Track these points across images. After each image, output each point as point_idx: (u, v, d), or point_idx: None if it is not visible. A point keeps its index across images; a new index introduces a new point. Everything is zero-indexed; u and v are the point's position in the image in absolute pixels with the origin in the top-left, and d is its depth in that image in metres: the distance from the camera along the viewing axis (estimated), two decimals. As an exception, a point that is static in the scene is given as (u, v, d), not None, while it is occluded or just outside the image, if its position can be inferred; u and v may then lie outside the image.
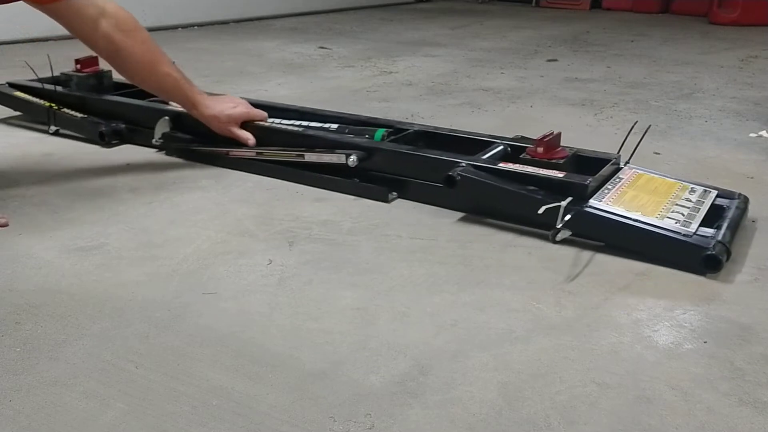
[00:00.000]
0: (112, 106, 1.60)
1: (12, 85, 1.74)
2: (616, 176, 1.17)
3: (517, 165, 1.15)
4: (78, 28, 1.25)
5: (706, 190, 1.16)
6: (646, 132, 1.26)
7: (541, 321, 0.87)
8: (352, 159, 1.25)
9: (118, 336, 0.82)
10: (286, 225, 1.15)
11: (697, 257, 0.97)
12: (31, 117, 1.71)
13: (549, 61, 2.78)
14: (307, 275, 0.98)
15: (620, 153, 1.25)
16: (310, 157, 1.31)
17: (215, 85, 2.19)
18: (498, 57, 2.85)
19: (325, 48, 3.01)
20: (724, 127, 1.80)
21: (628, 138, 1.23)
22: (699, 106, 2.02)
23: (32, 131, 1.67)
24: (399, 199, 1.26)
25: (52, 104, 1.61)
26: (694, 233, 1.01)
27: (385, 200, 1.25)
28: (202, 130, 1.42)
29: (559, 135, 1.21)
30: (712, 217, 1.07)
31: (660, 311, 0.89)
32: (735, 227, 1.06)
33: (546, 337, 0.83)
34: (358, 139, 1.33)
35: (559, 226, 1.04)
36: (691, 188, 1.16)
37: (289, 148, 1.35)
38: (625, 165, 1.23)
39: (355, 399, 0.71)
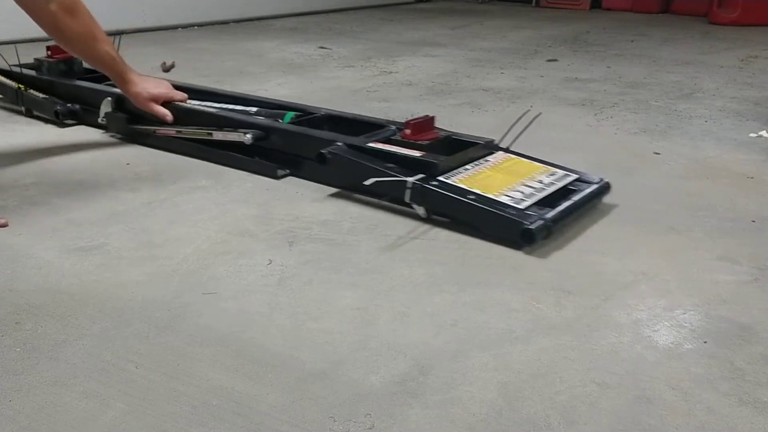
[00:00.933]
0: (72, 89, 1.73)
1: None
2: (483, 158, 1.26)
3: (386, 145, 1.24)
4: (32, 10, 1.36)
5: (566, 174, 1.23)
6: (533, 120, 1.36)
7: (541, 321, 0.87)
8: (248, 137, 1.35)
9: (118, 336, 0.82)
10: (286, 225, 1.15)
11: (516, 231, 1.04)
12: (7, 98, 1.85)
13: (549, 61, 2.78)
14: (307, 275, 0.98)
15: (501, 139, 1.33)
16: (218, 135, 1.42)
17: (215, 85, 2.18)
18: (498, 57, 2.85)
19: (325, 48, 3.01)
20: (724, 127, 1.80)
21: (517, 126, 1.33)
22: (699, 106, 2.02)
23: (32, 132, 1.67)
24: (291, 177, 1.35)
25: (20, 86, 1.77)
26: (523, 210, 1.07)
27: (275, 177, 1.34)
28: (139, 111, 1.53)
29: (431, 119, 1.31)
30: (559, 198, 1.15)
31: (660, 311, 0.89)
32: (573, 208, 1.13)
33: (546, 337, 0.83)
34: (259, 120, 1.43)
35: (407, 200, 1.14)
36: (552, 172, 1.23)
37: (202, 127, 1.46)
38: (502, 149, 1.31)
39: (355, 399, 0.71)
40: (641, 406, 0.71)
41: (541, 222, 1.04)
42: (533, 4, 4.99)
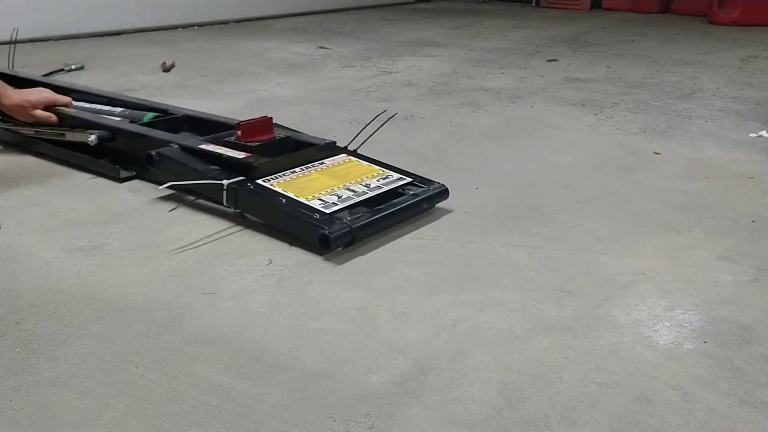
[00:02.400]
0: None
1: None
2: (319, 161, 1.25)
3: (216, 146, 1.23)
4: None
5: (400, 178, 1.22)
6: (385, 123, 1.37)
7: (541, 321, 0.87)
8: (92, 138, 1.34)
9: (118, 336, 0.82)
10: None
11: (315, 235, 1.03)
12: None
13: (549, 61, 2.78)
14: (307, 275, 0.98)
15: (351, 141, 1.32)
16: (69, 136, 1.41)
17: (215, 85, 2.19)
18: (498, 57, 2.85)
19: (325, 48, 3.01)
20: (724, 127, 1.80)
21: (369, 127, 1.33)
22: (699, 106, 2.02)
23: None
24: (138, 180, 1.33)
25: None
26: (329, 214, 1.07)
27: (117, 178, 1.32)
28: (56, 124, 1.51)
29: (268, 119, 1.29)
30: (383, 202, 1.14)
31: (660, 311, 0.89)
32: (391, 214, 1.12)
33: (546, 337, 0.83)
34: (106, 121, 1.42)
35: (224, 203, 1.13)
36: (386, 175, 1.23)
37: (57, 127, 1.44)
38: (345, 152, 1.30)
39: (355, 399, 0.71)
40: (641, 406, 0.71)
41: (344, 228, 1.03)
42: (533, 4, 4.99)
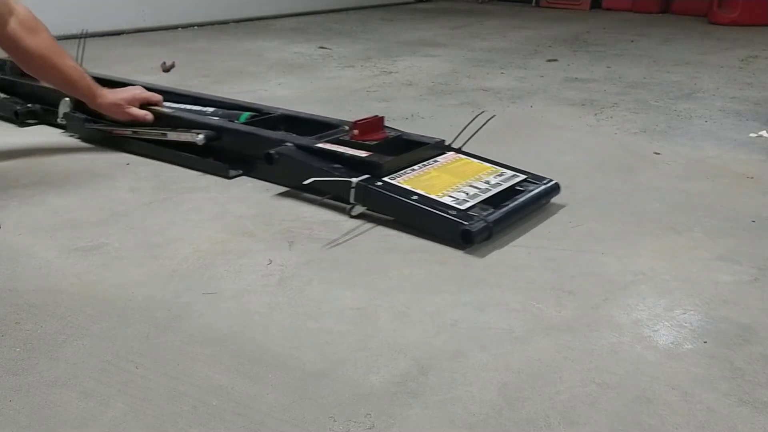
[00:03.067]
0: (32, 89, 1.74)
1: None
2: (432, 159, 1.26)
3: (334, 145, 1.24)
4: None
5: (514, 175, 1.24)
6: (486, 123, 1.36)
7: (541, 321, 0.87)
8: (200, 137, 1.36)
9: (118, 336, 0.82)
10: (286, 225, 1.14)
11: (456, 232, 1.04)
12: None
13: (549, 61, 2.78)
14: (307, 275, 0.98)
15: (455, 139, 1.33)
16: (171, 135, 1.42)
17: (215, 85, 2.19)
18: (498, 57, 2.85)
19: (325, 48, 3.01)
20: (724, 127, 1.80)
21: (471, 127, 1.33)
22: (699, 106, 2.02)
23: (33, 132, 1.67)
24: (243, 177, 1.36)
25: None
26: (465, 210, 1.08)
27: (226, 176, 1.35)
28: (97, 111, 1.53)
29: (380, 119, 1.31)
30: (505, 199, 1.16)
31: (660, 311, 0.89)
32: (517, 209, 1.14)
33: (546, 337, 0.83)
34: (212, 120, 1.44)
35: (351, 200, 1.14)
36: (500, 172, 1.24)
37: (157, 127, 1.46)
38: (454, 150, 1.32)
39: (355, 399, 0.71)
40: (641, 406, 0.71)
41: (482, 223, 1.05)
42: (533, 4, 4.99)
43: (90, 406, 0.70)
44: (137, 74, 2.19)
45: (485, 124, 1.34)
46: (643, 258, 1.04)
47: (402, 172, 1.19)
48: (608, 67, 2.65)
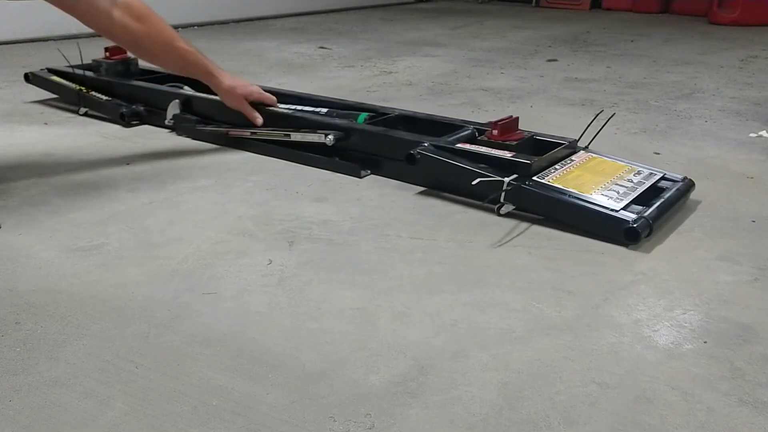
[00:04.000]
0: (134, 90, 1.77)
1: (50, 71, 1.92)
2: (568, 158, 1.27)
3: (474, 146, 1.26)
4: (94, 21, 1.31)
5: (651, 173, 1.24)
6: (608, 120, 1.34)
7: (541, 321, 0.87)
8: (330, 138, 1.37)
9: (118, 336, 0.82)
10: (286, 225, 1.14)
11: (620, 230, 1.05)
12: (64, 99, 1.89)
13: (549, 61, 2.78)
14: (307, 275, 0.98)
15: (579, 138, 1.33)
16: (296, 136, 1.44)
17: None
18: (498, 57, 2.85)
19: (325, 48, 3.01)
20: (724, 127, 1.80)
21: (594, 126, 1.31)
22: (699, 106, 2.02)
23: (33, 132, 1.67)
24: (372, 175, 1.37)
25: (82, 87, 1.79)
26: (622, 209, 1.09)
27: (358, 176, 1.37)
28: (208, 112, 1.59)
29: (516, 119, 1.32)
30: (649, 197, 1.16)
31: (660, 311, 0.89)
32: (667, 206, 1.15)
33: (546, 337, 0.83)
34: (338, 121, 1.45)
35: (502, 200, 1.15)
36: (638, 170, 1.25)
37: (278, 128, 1.48)
38: (582, 149, 1.32)
39: (355, 399, 0.71)
40: (641, 406, 0.71)
41: (643, 220, 1.06)
42: (533, 4, 4.99)
43: (90, 406, 0.70)
44: (137, 74, 2.20)
45: (607, 122, 1.33)
46: (643, 258, 1.04)
47: (546, 171, 1.19)
48: (608, 67, 2.65)
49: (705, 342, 0.82)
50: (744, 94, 2.19)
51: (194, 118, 1.61)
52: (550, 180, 1.16)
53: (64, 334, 0.82)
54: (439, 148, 1.25)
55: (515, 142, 1.26)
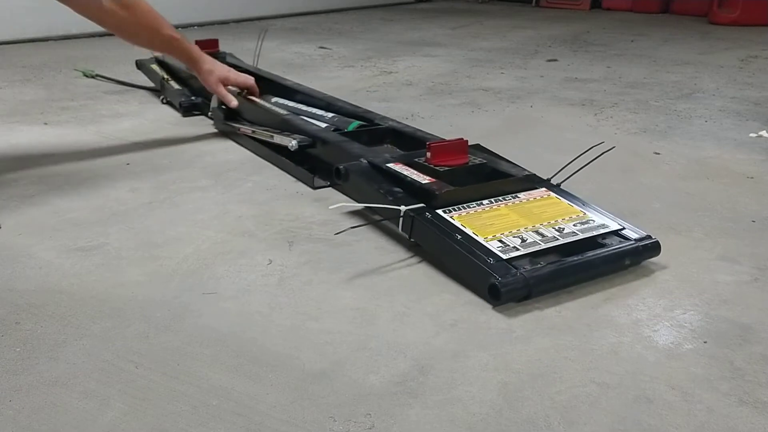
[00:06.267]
0: (198, 83, 1.78)
1: (157, 61, 2.10)
2: (511, 194, 1.11)
3: (404, 167, 1.15)
4: (86, 9, 1.38)
5: (602, 225, 1.04)
6: (600, 156, 1.19)
7: (541, 321, 0.87)
8: (293, 143, 1.35)
9: (118, 336, 0.82)
10: (286, 225, 1.15)
11: (484, 283, 0.89)
12: (152, 83, 2.09)
13: (549, 61, 2.78)
14: (307, 275, 0.98)
15: (551, 177, 1.18)
16: (276, 138, 1.43)
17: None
18: (498, 57, 2.85)
19: (325, 48, 3.01)
20: (724, 127, 1.80)
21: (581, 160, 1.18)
22: (699, 106, 2.02)
23: (33, 132, 1.67)
24: (329, 188, 1.32)
25: (164, 76, 1.99)
26: (505, 260, 0.92)
27: (311, 186, 1.32)
28: (236, 110, 1.63)
29: (462, 142, 1.18)
30: (579, 251, 0.97)
31: (660, 311, 0.89)
32: (579, 266, 0.95)
33: (546, 337, 0.83)
34: (308, 126, 1.42)
35: (399, 230, 1.05)
36: (587, 220, 1.05)
37: (266, 128, 1.49)
38: (546, 184, 1.16)
39: (355, 399, 0.71)
40: (641, 406, 0.71)
41: (516, 279, 0.88)
42: (533, 4, 4.99)
43: (90, 406, 0.70)
44: (137, 74, 2.20)
45: (598, 157, 1.18)
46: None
47: (465, 205, 1.05)
48: (608, 67, 2.65)
49: (705, 342, 0.82)
50: (744, 94, 2.19)
51: (222, 113, 1.65)
52: (456, 216, 1.02)
53: (64, 334, 0.82)
54: (371, 167, 1.17)
55: (447, 168, 1.13)
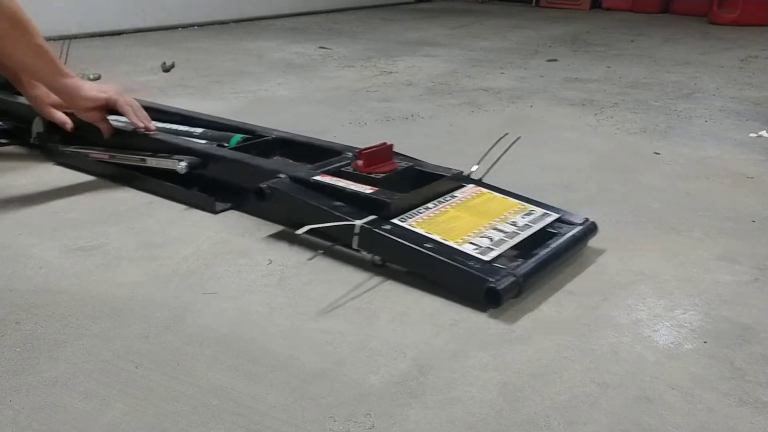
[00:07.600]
0: (6, 104, 1.56)
1: None
2: (449, 194, 1.09)
3: (336, 178, 1.07)
4: None
5: (545, 214, 1.06)
6: (509, 147, 1.19)
7: (541, 321, 0.87)
8: (182, 165, 1.19)
9: (118, 336, 0.82)
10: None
11: (480, 289, 0.87)
12: None
13: (549, 61, 2.78)
14: (307, 275, 0.98)
15: (472, 170, 1.16)
16: (151, 162, 1.25)
17: (215, 85, 2.19)
18: (498, 57, 2.85)
19: (325, 48, 3.01)
20: (724, 127, 1.80)
21: (493, 150, 1.18)
22: (699, 106, 2.02)
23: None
24: (232, 210, 1.19)
25: None
26: (489, 262, 0.91)
27: (213, 211, 1.18)
28: (72, 132, 1.38)
29: (388, 147, 1.13)
30: (536, 244, 0.98)
31: (660, 311, 0.89)
32: (551, 258, 0.96)
33: (546, 337, 0.83)
34: (197, 145, 1.26)
35: (355, 246, 0.97)
36: (529, 210, 1.06)
37: (133, 151, 1.29)
38: (474, 182, 1.14)
39: (355, 399, 0.71)
40: (641, 406, 0.71)
41: (510, 279, 0.87)
42: (533, 4, 4.99)
43: (90, 406, 0.70)
44: (137, 74, 2.20)
45: (509, 148, 1.18)
46: (643, 258, 1.04)
47: (415, 211, 1.02)
48: (608, 67, 2.65)
49: (705, 342, 0.82)
50: (744, 94, 2.19)
51: (57, 137, 1.40)
52: (414, 223, 0.98)
53: (64, 334, 0.82)
54: (295, 181, 1.07)
55: (383, 175, 1.08)
